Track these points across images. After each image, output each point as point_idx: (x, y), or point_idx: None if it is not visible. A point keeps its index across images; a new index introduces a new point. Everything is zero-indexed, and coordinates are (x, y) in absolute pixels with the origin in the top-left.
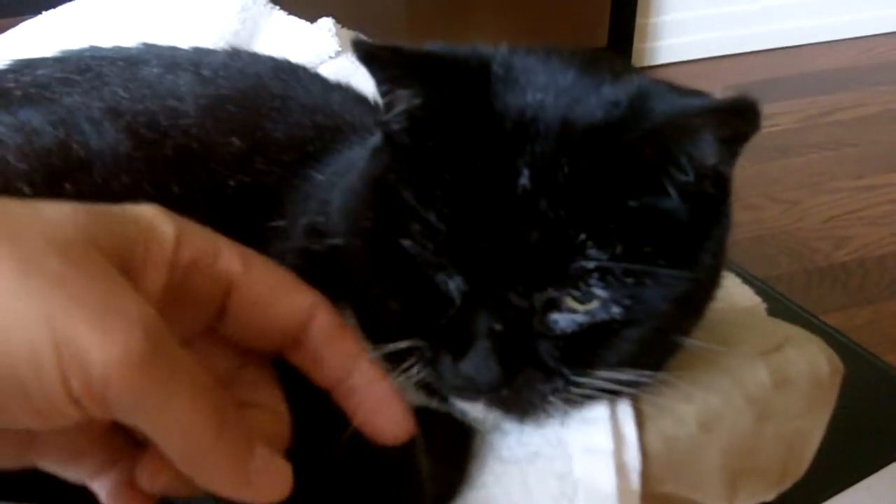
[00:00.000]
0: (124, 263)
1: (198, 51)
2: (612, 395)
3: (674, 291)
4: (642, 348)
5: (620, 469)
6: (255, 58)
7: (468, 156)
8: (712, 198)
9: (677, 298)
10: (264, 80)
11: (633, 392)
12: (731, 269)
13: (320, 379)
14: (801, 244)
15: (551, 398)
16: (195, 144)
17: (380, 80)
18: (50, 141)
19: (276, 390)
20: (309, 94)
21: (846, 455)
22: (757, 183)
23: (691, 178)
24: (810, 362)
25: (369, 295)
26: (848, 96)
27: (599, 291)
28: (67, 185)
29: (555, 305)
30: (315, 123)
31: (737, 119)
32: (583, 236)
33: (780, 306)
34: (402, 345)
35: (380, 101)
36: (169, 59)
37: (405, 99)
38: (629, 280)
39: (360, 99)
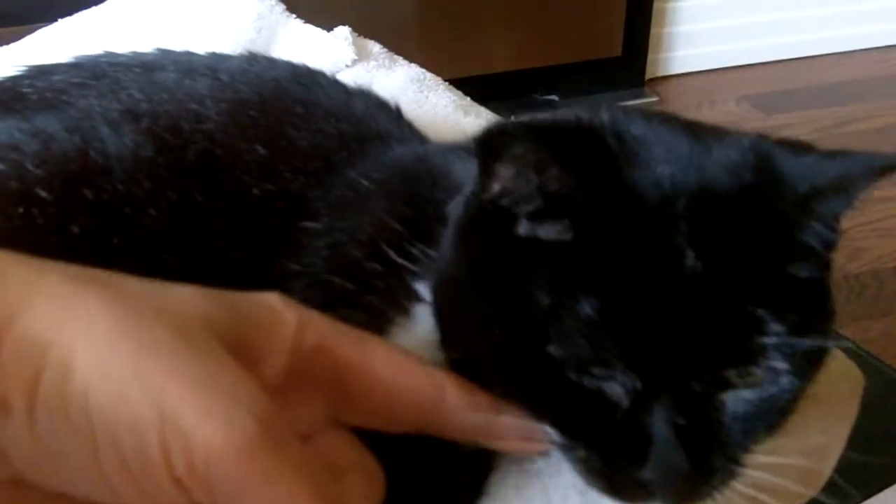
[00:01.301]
0: (244, 347)
1: (214, 56)
2: None
3: (821, 357)
4: (785, 418)
5: None
6: (273, 62)
7: (618, 239)
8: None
9: (820, 364)
10: (284, 84)
11: None
12: None
13: (460, 440)
14: None
15: (719, 486)
16: (218, 150)
17: (501, 163)
18: (67, 146)
19: (366, 448)
20: (331, 99)
21: (862, 468)
22: None
23: (835, 236)
24: (829, 378)
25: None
26: (861, 108)
27: (781, 365)
28: (87, 192)
29: (728, 386)
30: (339, 131)
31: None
32: (761, 311)
33: None
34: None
35: (492, 187)
36: (186, 63)
37: (542, 183)
38: (803, 351)
39: (382, 105)
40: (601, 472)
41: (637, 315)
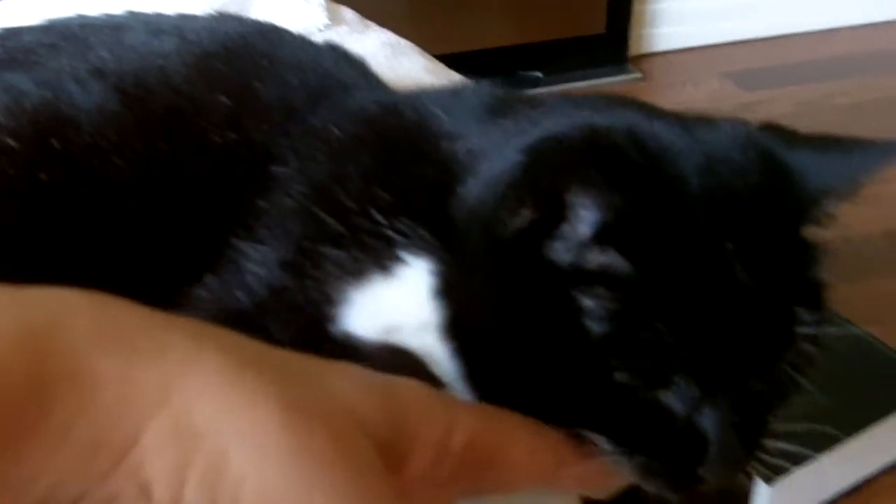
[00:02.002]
0: (391, 444)
1: (182, 16)
2: None
3: None
4: None
5: None
6: (241, 20)
7: (673, 260)
8: None
9: None
10: (250, 39)
11: None
12: None
13: None
14: None
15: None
16: (183, 102)
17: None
18: (36, 100)
19: None
20: (297, 53)
21: (831, 420)
22: None
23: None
24: None
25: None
26: (841, 84)
27: (810, 349)
28: (54, 142)
29: (778, 380)
30: (304, 82)
31: None
32: (800, 309)
33: None
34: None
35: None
36: (154, 24)
37: (590, 212)
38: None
39: (349, 58)
40: (659, 474)
41: (701, 333)
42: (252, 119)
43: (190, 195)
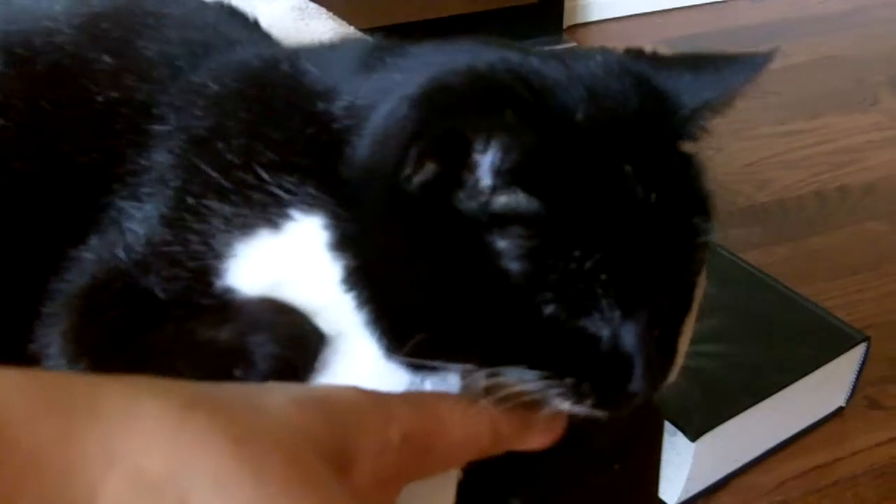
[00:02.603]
0: (339, 455)
1: None
2: None
3: None
4: None
5: None
6: None
7: (576, 189)
8: None
9: None
10: None
11: None
12: None
13: None
14: (723, 187)
15: None
16: (66, 61)
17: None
18: None
19: None
20: (183, 10)
21: (757, 377)
22: None
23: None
24: None
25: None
26: (778, 47)
27: (702, 256)
28: None
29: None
30: (187, 39)
31: None
32: (698, 219)
33: None
34: (543, 384)
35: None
36: None
37: (492, 156)
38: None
39: (236, 14)
40: (589, 395)
41: (617, 253)
42: (133, 77)
43: (72, 154)
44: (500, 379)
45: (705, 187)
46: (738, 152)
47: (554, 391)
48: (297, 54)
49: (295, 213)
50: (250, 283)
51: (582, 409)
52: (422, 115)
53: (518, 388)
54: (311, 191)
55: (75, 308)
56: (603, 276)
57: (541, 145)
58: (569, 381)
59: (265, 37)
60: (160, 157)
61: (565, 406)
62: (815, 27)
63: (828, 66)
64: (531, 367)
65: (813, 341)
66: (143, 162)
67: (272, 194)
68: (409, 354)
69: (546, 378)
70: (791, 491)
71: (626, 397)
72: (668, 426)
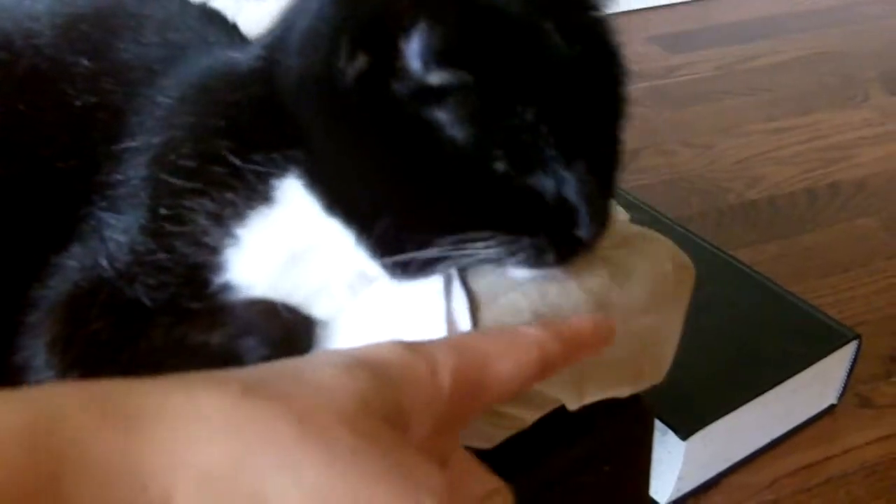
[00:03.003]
0: (393, 413)
1: None
2: None
3: None
4: None
5: None
6: None
7: (505, 51)
8: None
9: None
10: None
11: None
12: (643, 208)
13: None
14: (713, 185)
15: None
16: (45, 64)
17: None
18: None
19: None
20: (165, 11)
21: (748, 375)
22: (671, 129)
23: None
24: (652, 258)
25: (460, 229)
26: (764, 44)
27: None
28: None
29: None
30: (165, 40)
31: None
32: (616, 70)
33: (689, 243)
34: (507, 249)
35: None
36: None
37: (419, 36)
38: None
39: (214, 15)
40: (548, 248)
41: (553, 105)
42: (110, 81)
43: (51, 159)
44: (466, 251)
45: (617, 42)
46: (729, 149)
47: (515, 254)
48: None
49: (277, 182)
50: (264, 262)
51: (539, 265)
52: (345, 9)
53: (483, 256)
54: (277, 156)
55: (59, 318)
56: (543, 128)
57: (460, 21)
58: (526, 240)
59: (243, 37)
60: (132, 172)
61: (528, 268)
62: (805, 23)
63: (818, 62)
64: (491, 230)
65: (804, 339)
66: (117, 176)
67: (253, 173)
68: (386, 251)
69: (506, 242)
70: (782, 489)
71: (576, 244)
72: (658, 425)
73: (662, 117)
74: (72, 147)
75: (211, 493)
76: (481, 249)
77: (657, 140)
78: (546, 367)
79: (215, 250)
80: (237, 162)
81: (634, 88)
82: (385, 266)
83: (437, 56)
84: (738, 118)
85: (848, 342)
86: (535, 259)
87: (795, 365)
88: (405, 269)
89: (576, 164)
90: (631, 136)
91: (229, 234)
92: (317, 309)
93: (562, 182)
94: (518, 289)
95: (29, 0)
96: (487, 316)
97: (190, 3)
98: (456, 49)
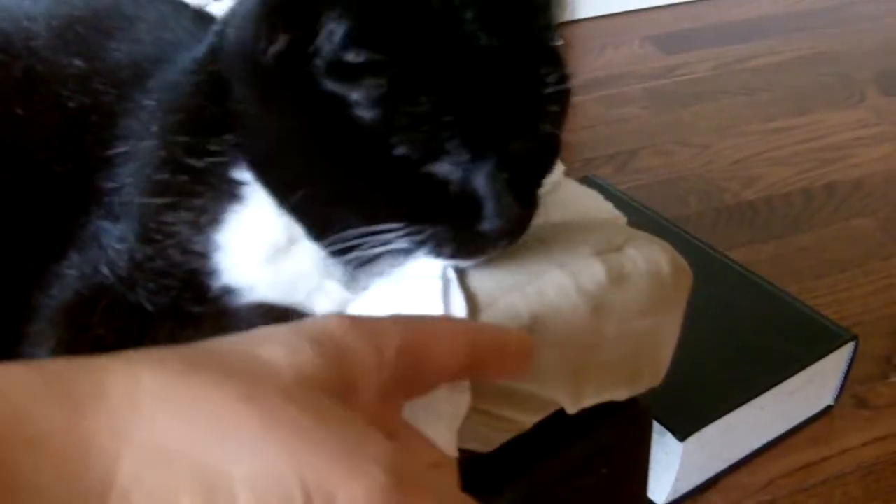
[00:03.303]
0: (339, 389)
1: None
2: None
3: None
4: None
5: None
6: None
7: (418, 38)
8: None
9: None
10: (119, 2)
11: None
12: (640, 209)
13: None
14: (710, 185)
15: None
16: (40, 66)
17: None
18: None
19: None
20: (158, 13)
21: (745, 377)
22: (669, 129)
23: None
24: (650, 261)
25: (369, 215)
26: (762, 44)
27: (555, 108)
28: None
29: (537, 137)
30: (157, 40)
31: None
32: (542, 68)
33: (686, 242)
34: (415, 239)
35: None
36: None
37: (336, 16)
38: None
39: (209, 17)
40: (449, 239)
41: (459, 97)
42: (102, 81)
43: (46, 161)
44: (378, 237)
45: (555, 41)
46: (726, 149)
47: (422, 245)
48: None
49: (234, 174)
50: (249, 261)
51: (443, 256)
52: None
53: (394, 246)
54: (227, 137)
55: (62, 324)
56: (447, 118)
57: (368, 11)
58: (429, 229)
59: None
60: (125, 179)
61: (430, 257)
62: (802, 23)
63: (815, 62)
64: (397, 220)
65: (801, 340)
66: (111, 183)
67: (215, 174)
68: (311, 231)
69: (412, 232)
70: (779, 490)
71: (481, 239)
72: (656, 426)
73: (659, 117)
74: (67, 150)
75: (156, 466)
76: (391, 236)
77: (654, 140)
78: (474, 365)
79: (204, 256)
80: (196, 163)
81: (631, 88)
82: (329, 252)
83: (353, 36)
84: (736, 118)
85: (845, 343)
86: (436, 250)
87: (792, 366)
88: (342, 255)
89: (485, 158)
90: (628, 136)
91: (210, 240)
92: (318, 310)
93: (469, 175)
94: (517, 291)
95: (29, 1)
96: (486, 319)
97: (185, 5)
98: (371, 30)
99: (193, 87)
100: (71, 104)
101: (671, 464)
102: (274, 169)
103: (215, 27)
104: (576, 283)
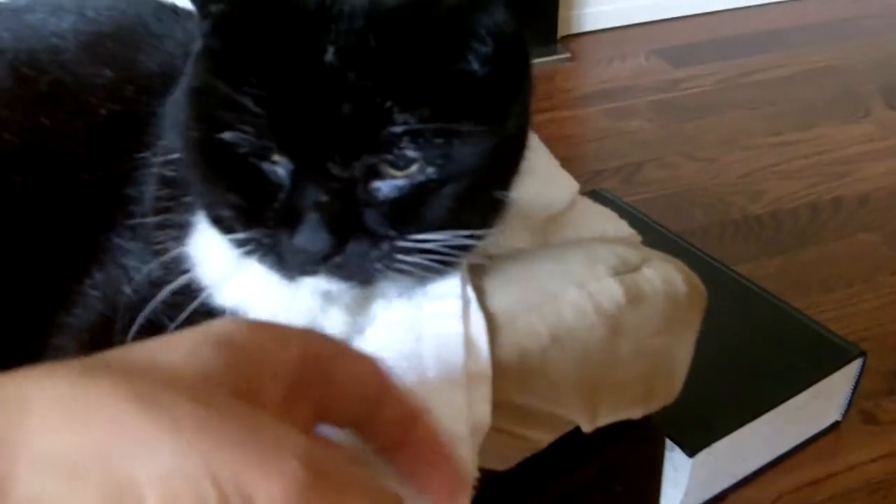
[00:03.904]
0: (245, 388)
1: None
2: (441, 261)
3: (483, 147)
4: (462, 204)
5: (472, 379)
6: (141, 1)
7: (275, 43)
8: (513, 62)
9: (487, 153)
10: (145, 19)
11: (459, 259)
12: (647, 223)
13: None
14: (716, 199)
15: (379, 263)
16: (69, 78)
17: None
18: None
19: None
20: (185, 30)
21: (753, 392)
22: (675, 143)
23: (490, 47)
24: (666, 281)
25: (210, 197)
26: (769, 57)
27: (412, 153)
28: None
29: (375, 173)
30: (185, 55)
31: None
32: (389, 103)
33: (692, 257)
34: (243, 235)
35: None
36: (54, 3)
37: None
38: (439, 140)
39: None
40: (270, 247)
41: (287, 106)
42: (133, 89)
43: (73, 170)
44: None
45: (433, 85)
46: (732, 163)
47: (248, 243)
48: None
49: None
50: (220, 273)
51: (268, 267)
52: None
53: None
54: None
55: (86, 342)
56: (274, 121)
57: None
58: (256, 235)
59: None
60: (144, 188)
61: (258, 261)
62: (808, 37)
63: (821, 76)
64: (237, 217)
65: (809, 356)
66: (133, 192)
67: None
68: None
69: (247, 233)
70: None
71: (293, 251)
72: (665, 442)
73: (666, 130)
74: (96, 158)
75: (56, 477)
76: (238, 234)
77: (661, 153)
78: (382, 402)
79: (189, 272)
80: (168, 173)
81: (637, 101)
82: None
83: (216, 24)
84: (742, 132)
85: (853, 359)
86: (262, 259)
87: (800, 382)
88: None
89: (309, 174)
90: (634, 148)
91: (188, 256)
92: (329, 331)
93: (292, 184)
94: (535, 311)
95: (54, 18)
96: (505, 338)
97: None
98: (221, 23)
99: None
100: (102, 111)
101: (680, 479)
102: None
103: None
104: (594, 304)
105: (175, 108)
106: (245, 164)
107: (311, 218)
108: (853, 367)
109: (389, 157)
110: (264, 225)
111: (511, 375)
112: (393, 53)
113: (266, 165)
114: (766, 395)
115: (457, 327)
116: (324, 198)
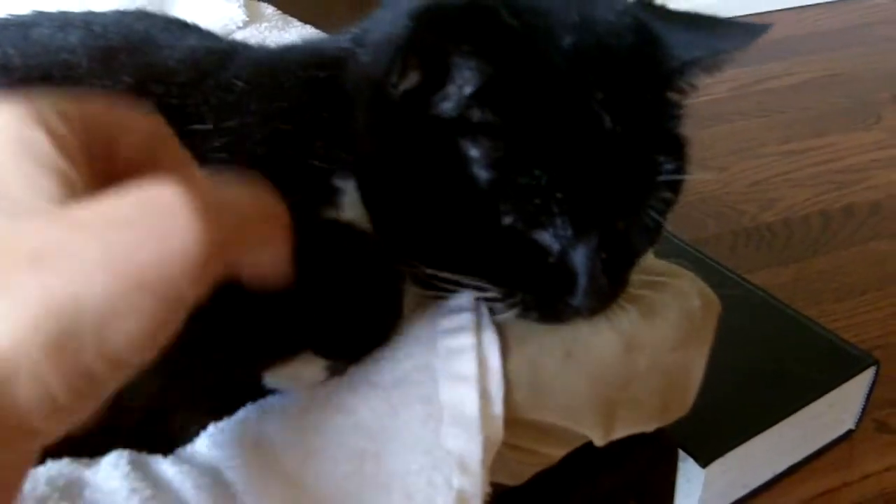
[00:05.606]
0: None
1: (89, 11)
2: None
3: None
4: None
5: (484, 394)
6: (147, 14)
7: (544, 112)
8: None
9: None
10: (153, 32)
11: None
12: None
13: None
14: (728, 207)
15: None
16: (86, 87)
17: (419, 57)
18: None
19: None
20: (200, 35)
21: (766, 402)
22: None
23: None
24: (680, 295)
25: (449, 261)
26: (779, 65)
27: (668, 195)
28: None
29: (642, 221)
30: (208, 48)
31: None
32: (657, 153)
33: (704, 266)
34: (492, 295)
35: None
36: (61, 19)
37: (471, 72)
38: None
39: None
40: (536, 307)
41: (574, 175)
42: (159, 85)
43: None
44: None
45: (679, 132)
46: (743, 171)
47: (505, 302)
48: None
49: (340, 182)
50: None
51: (527, 319)
52: (413, 29)
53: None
54: (336, 149)
55: None
56: (558, 194)
57: (509, 69)
58: (518, 296)
59: None
60: (210, 155)
61: (512, 314)
62: (819, 45)
63: (832, 84)
64: (491, 277)
65: (822, 365)
66: None
67: (317, 170)
68: (390, 240)
69: (501, 292)
70: None
71: (567, 311)
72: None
73: None
74: None
75: None
76: (476, 292)
77: None
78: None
79: None
80: (304, 157)
81: None
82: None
83: (482, 93)
84: (752, 140)
85: (866, 368)
86: (522, 313)
87: (813, 391)
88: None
89: (588, 236)
90: None
91: None
92: None
93: (568, 249)
94: (549, 329)
95: (61, 33)
96: (518, 353)
97: (222, 37)
98: (501, 93)
99: (308, 80)
100: None
101: (693, 490)
102: (377, 192)
103: (343, 42)
104: (608, 319)
105: (397, 177)
106: (508, 233)
107: (593, 277)
108: (866, 376)
109: (656, 204)
110: (528, 289)
111: (524, 390)
112: (646, 106)
113: (535, 234)
114: (778, 405)
115: (469, 340)
116: (605, 255)
